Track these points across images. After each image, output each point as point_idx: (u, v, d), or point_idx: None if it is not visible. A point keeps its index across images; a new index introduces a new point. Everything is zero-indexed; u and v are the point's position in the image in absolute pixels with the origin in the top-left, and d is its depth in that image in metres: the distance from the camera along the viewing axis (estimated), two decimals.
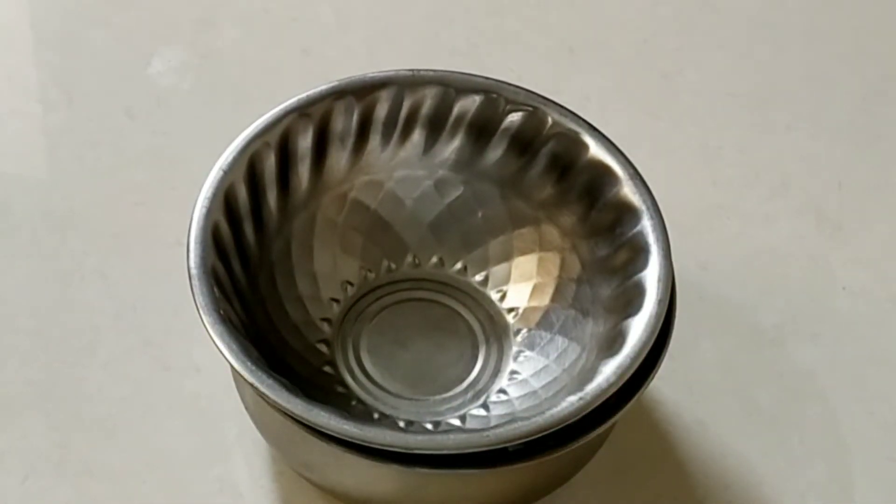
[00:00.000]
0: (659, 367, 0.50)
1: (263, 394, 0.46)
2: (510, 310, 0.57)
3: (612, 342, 0.50)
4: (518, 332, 0.56)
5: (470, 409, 0.54)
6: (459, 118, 0.56)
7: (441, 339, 0.57)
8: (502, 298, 0.57)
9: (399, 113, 0.55)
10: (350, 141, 0.56)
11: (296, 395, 0.46)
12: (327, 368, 0.55)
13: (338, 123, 0.55)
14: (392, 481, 0.49)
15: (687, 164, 0.65)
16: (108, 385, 0.58)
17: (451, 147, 0.57)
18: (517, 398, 0.54)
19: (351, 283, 0.58)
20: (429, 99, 0.55)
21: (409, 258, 0.58)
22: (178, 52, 0.70)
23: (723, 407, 0.59)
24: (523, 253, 0.57)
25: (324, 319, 0.56)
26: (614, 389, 0.47)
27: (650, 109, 0.69)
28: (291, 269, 0.56)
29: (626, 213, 0.52)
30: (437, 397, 0.55)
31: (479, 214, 0.57)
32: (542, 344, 0.55)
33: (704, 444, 0.57)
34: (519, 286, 0.57)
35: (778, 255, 0.64)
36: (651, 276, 0.50)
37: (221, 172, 0.52)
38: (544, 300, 0.56)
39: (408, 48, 0.71)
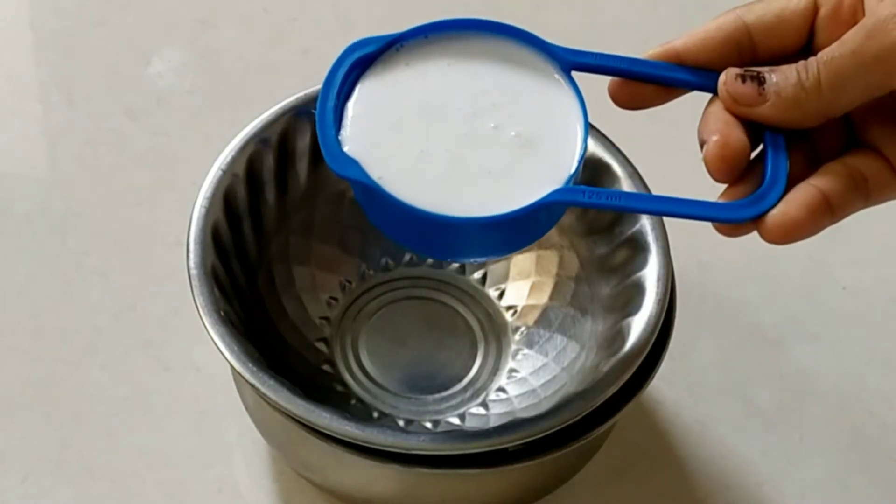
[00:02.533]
0: (659, 367, 0.49)
1: (265, 395, 0.46)
2: (509, 308, 0.57)
3: (612, 341, 0.50)
4: (517, 330, 0.56)
5: (469, 408, 0.54)
6: None
7: (440, 338, 0.57)
8: (501, 296, 0.57)
9: None
10: None
11: (297, 395, 0.46)
12: (326, 367, 0.55)
13: None
14: (392, 481, 0.49)
15: (687, 164, 0.65)
16: (108, 385, 0.58)
17: None
18: (516, 396, 0.54)
19: (349, 282, 0.58)
20: None
21: (408, 256, 0.58)
22: (178, 52, 0.70)
23: (723, 407, 0.59)
24: (521, 251, 0.57)
25: (323, 318, 0.56)
26: (614, 389, 0.47)
27: (650, 109, 0.69)
28: (290, 268, 0.56)
29: (625, 211, 0.52)
30: (437, 396, 0.55)
31: None
32: (540, 342, 0.55)
33: (704, 444, 0.57)
34: (517, 284, 0.57)
35: (778, 255, 0.64)
36: (650, 276, 0.50)
37: (221, 172, 0.52)
38: (543, 298, 0.56)
39: None
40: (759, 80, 0.40)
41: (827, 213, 0.40)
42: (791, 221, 0.39)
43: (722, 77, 0.41)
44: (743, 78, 0.40)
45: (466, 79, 0.44)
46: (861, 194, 0.40)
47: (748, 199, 0.40)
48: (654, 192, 0.52)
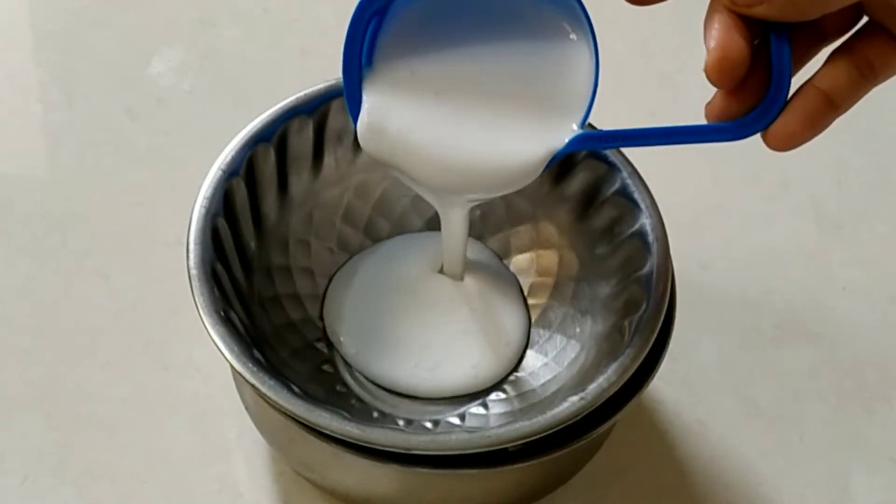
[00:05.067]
0: (659, 367, 0.49)
1: (265, 395, 0.46)
2: None
3: (612, 341, 0.50)
4: None
5: (469, 408, 0.54)
6: None
7: None
8: None
9: None
10: (348, 139, 0.55)
11: (297, 395, 0.46)
12: (326, 367, 0.55)
13: (336, 122, 0.55)
14: (392, 481, 0.49)
15: (687, 164, 0.65)
16: (108, 385, 0.58)
17: None
18: (516, 396, 0.54)
19: None
20: None
21: None
22: (178, 52, 0.70)
23: (723, 407, 0.59)
24: (521, 251, 0.57)
25: (322, 318, 0.56)
26: (614, 389, 0.47)
27: (650, 109, 0.69)
28: (290, 268, 0.56)
29: (625, 211, 0.52)
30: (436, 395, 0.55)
31: (477, 212, 0.57)
32: (540, 342, 0.55)
33: (704, 444, 0.57)
34: None
35: (778, 254, 0.64)
36: (650, 276, 0.50)
37: (221, 172, 0.52)
38: (542, 298, 0.56)
39: None
40: None
41: (830, 111, 0.41)
42: (791, 132, 0.42)
43: None
44: None
45: (478, 46, 0.46)
46: (867, 80, 0.42)
47: (753, 114, 0.42)
48: (655, 191, 0.52)
